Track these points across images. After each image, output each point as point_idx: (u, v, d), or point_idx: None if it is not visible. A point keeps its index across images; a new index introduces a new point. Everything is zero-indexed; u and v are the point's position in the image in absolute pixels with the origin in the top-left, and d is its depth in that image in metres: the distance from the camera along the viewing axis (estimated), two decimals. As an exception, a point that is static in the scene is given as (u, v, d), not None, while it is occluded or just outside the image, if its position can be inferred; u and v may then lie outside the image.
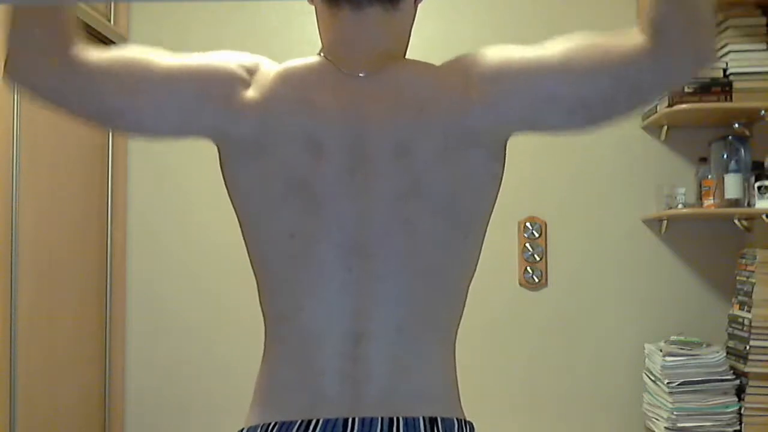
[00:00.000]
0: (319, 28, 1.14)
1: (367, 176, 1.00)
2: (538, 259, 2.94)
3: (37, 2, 0.98)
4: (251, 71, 1.05)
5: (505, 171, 1.07)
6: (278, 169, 1.01)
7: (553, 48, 1.01)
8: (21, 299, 2.30)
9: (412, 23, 1.15)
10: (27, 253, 2.34)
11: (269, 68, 1.06)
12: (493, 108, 1.01)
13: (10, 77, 1.02)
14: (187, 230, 3.00)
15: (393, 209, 1.00)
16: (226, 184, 1.07)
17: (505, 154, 1.06)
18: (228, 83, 1.03)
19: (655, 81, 0.98)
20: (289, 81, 1.04)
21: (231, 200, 1.07)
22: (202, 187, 2.95)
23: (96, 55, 1.02)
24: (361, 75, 1.05)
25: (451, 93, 1.02)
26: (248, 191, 1.04)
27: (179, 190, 3.01)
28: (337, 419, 0.98)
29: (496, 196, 1.07)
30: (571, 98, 0.99)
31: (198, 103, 1.02)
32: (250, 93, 1.03)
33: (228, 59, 1.05)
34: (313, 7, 1.15)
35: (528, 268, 2.94)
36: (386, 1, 1.08)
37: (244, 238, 1.08)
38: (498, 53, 1.03)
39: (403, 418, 0.98)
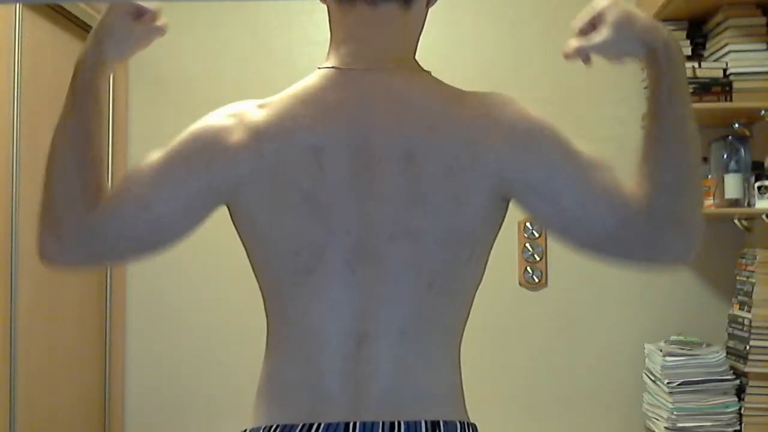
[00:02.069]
0: (330, 28, 1.13)
1: (372, 181, 1.00)
2: (538, 259, 2.94)
3: (40, 1, 0.98)
4: (237, 115, 1.04)
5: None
6: (283, 184, 1.01)
7: (583, 155, 1.02)
8: (21, 299, 2.30)
9: (423, 27, 1.14)
10: (27, 253, 2.34)
11: (262, 102, 1.06)
12: (510, 162, 1.01)
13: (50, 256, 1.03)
14: (187, 230, 2.99)
15: (397, 216, 1.00)
16: (237, 230, 1.08)
17: (506, 206, 1.08)
18: (210, 143, 1.03)
19: (638, 247, 1.01)
20: (291, 102, 1.04)
21: (234, 222, 1.07)
22: (202, 187, 2.94)
23: (101, 212, 1.02)
24: (370, 77, 1.04)
25: (469, 119, 1.02)
26: (254, 211, 1.04)
27: (179, 190, 3.01)
28: (338, 423, 0.97)
29: (499, 226, 1.09)
30: (574, 207, 1.01)
31: (186, 193, 1.03)
32: (234, 136, 1.02)
33: (199, 125, 1.05)
34: (325, 6, 1.14)
35: (528, 268, 2.94)
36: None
37: (246, 249, 1.08)
38: (535, 119, 1.03)
39: (404, 423, 0.98)
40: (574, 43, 1.06)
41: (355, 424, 0.98)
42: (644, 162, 1.01)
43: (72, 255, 1.03)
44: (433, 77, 1.08)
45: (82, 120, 1.05)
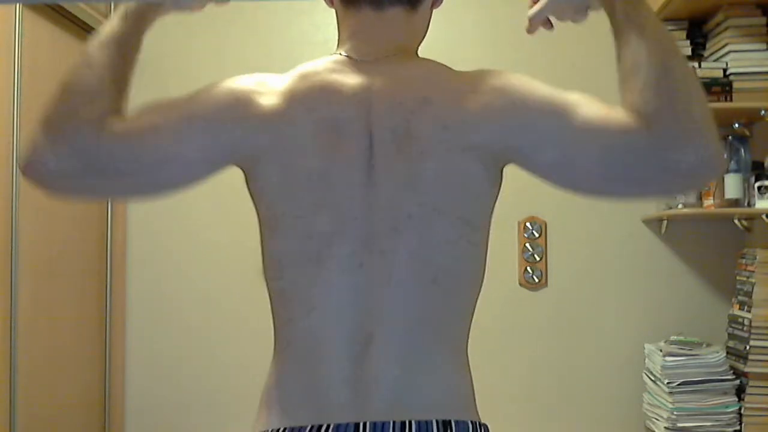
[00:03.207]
0: (339, 31, 1.15)
1: (375, 164, 1.01)
2: (538, 259, 2.94)
3: (40, 1, 0.99)
4: (259, 83, 1.05)
5: (504, 177, 1.07)
6: (300, 157, 1.01)
7: (568, 96, 0.99)
8: (21, 299, 2.30)
9: (427, 27, 1.17)
10: (27, 253, 2.34)
11: (278, 77, 1.07)
12: (497, 120, 1.01)
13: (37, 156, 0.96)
14: (187, 230, 3.00)
15: (395, 203, 1.00)
16: (252, 198, 1.06)
17: (501, 174, 1.06)
18: (235, 102, 1.03)
19: (648, 170, 0.93)
20: (302, 80, 1.05)
21: (257, 211, 1.06)
22: (202, 186, 2.94)
23: (114, 135, 0.98)
24: (373, 63, 1.06)
25: (460, 93, 1.03)
26: (274, 196, 1.03)
27: (179, 190, 3.01)
28: (348, 424, 0.96)
29: (495, 201, 1.07)
30: (566, 147, 0.97)
31: (211, 141, 1.01)
32: (263, 101, 1.03)
33: (231, 82, 1.06)
34: (326, 7, 1.17)
35: (528, 268, 2.94)
36: (406, 2, 1.10)
37: (262, 244, 1.07)
38: (520, 79, 1.03)
39: (415, 422, 0.97)
40: (529, 14, 1.11)
41: (365, 424, 0.96)
42: (627, 78, 0.96)
43: (65, 169, 0.96)
44: (434, 60, 1.09)
45: (126, 44, 1.05)
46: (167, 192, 1.06)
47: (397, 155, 1.01)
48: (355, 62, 1.07)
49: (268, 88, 1.05)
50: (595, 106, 0.97)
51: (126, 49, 1.05)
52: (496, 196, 1.07)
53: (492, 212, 1.08)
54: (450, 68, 1.08)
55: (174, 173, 1.03)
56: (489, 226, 1.08)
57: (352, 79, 1.05)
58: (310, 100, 1.03)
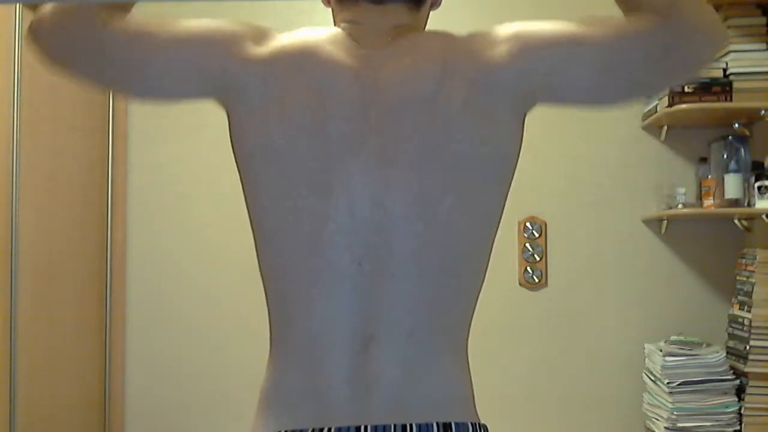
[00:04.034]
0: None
1: (375, 165, 0.99)
2: (538, 259, 2.94)
3: (40, 1, 0.99)
4: (261, 31, 1.08)
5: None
6: (298, 167, 1.00)
7: (574, 23, 1.02)
8: (21, 299, 2.30)
9: (424, 28, 1.16)
10: (27, 253, 2.34)
11: (282, 34, 1.08)
12: (519, 63, 1.01)
13: (35, 31, 1.04)
14: (187, 230, 3.00)
15: (396, 202, 0.99)
16: (247, 200, 1.05)
17: (523, 125, 1.05)
18: (234, 37, 1.06)
19: (674, 55, 0.98)
20: (302, 41, 1.05)
21: (252, 211, 1.05)
22: (202, 186, 2.95)
23: (117, 23, 1.04)
24: (373, 48, 1.05)
25: (475, 50, 1.02)
26: (273, 196, 1.02)
27: (179, 190, 3.01)
28: (348, 428, 0.96)
29: (515, 166, 1.06)
30: (597, 60, 1.00)
31: (204, 57, 1.04)
32: (259, 48, 1.04)
33: (237, 22, 1.09)
34: (324, 7, 1.17)
35: (528, 268, 2.94)
36: (409, 0, 1.10)
37: (257, 245, 1.06)
38: (521, 23, 1.05)
39: (416, 425, 0.96)
40: None
41: (366, 427, 0.96)
42: None
43: (56, 45, 1.05)
44: (435, 30, 1.09)
45: None
46: (134, 96, 1.13)
47: (397, 155, 0.99)
48: (356, 44, 1.06)
49: (270, 39, 1.06)
50: (605, 21, 1.00)
51: None
52: (520, 146, 1.06)
53: (498, 218, 1.06)
54: (454, 33, 1.07)
55: (157, 86, 1.07)
56: (495, 228, 1.06)
57: (352, 56, 1.03)
58: (303, 67, 1.02)
